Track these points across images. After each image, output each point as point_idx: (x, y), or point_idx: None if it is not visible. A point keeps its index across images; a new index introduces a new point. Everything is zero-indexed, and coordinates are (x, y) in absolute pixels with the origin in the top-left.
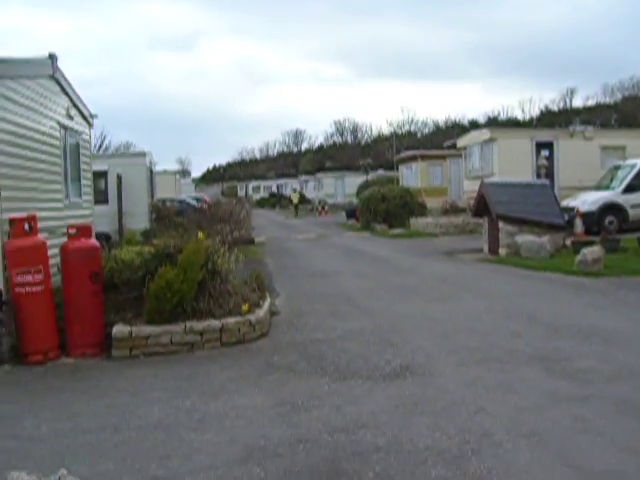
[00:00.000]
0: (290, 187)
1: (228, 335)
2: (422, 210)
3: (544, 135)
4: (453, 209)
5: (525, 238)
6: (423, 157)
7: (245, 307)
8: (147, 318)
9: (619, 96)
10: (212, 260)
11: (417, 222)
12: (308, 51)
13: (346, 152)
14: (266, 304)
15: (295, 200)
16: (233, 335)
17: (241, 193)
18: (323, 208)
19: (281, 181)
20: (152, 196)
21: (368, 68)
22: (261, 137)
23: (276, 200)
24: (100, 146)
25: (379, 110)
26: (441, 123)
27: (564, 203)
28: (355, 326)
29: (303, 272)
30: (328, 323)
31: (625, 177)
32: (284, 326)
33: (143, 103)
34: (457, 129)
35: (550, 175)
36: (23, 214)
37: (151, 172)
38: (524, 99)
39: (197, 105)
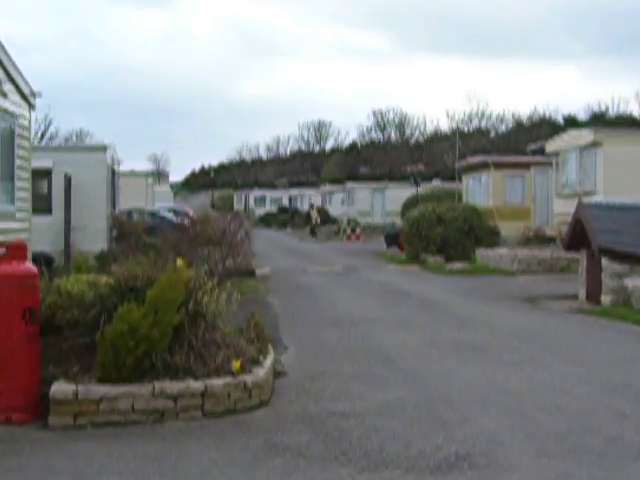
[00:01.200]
0: (307, 200)
1: (213, 402)
2: (494, 238)
3: None
4: (538, 238)
5: (638, 282)
6: (497, 165)
7: (237, 364)
8: (100, 374)
9: None
10: (195, 298)
11: (486, 254)
12: (332, 12)
13: (388, 154)
14: (268, 361)
15: (314, 218)
16: (220, 402)
17: (239, 206)
18: (354, 231)
19: (295, 191)
20: (113, 206)
21: (419, 39)
22: (269, 130)
23: (287, 217)
24: (43, 135)
25: (436, 98)
26: (523, 118)
27: None
28: (393, 396)
29: (322, 318)
30: (355, 390)
31: None
32: (293, 392)
33: (103, 77)
34: (546, 127)
35: None
36: None
37: (113, 173)
38: None
39: (178, 82)
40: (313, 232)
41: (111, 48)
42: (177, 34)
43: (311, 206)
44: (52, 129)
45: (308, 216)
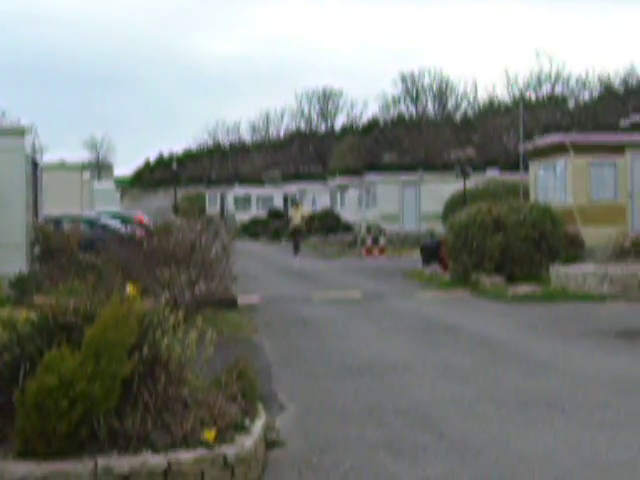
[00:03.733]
0: (310, 200)
1: None
2: (574, 250)
3: None
4: (637, 248)
5: None
6: (578, 147)
7: (210, 434)
8: (20, 446)
9: None
10: (151, 339)
11: (564, 273)
12: None
13: (424, 135)
14: (258, 426)
15: (296, 221)
16: None
17: (212, 210)
18: (376, 242)
19: (292, 187)
20: (35, 212)
21: None
22: (253, 102)
23: (281, 224)
24: None
25: (491, 55)
26: (615, 82)
27: None
28: (434, 473)
29: (333, 366)
30: (381, 465)
31: None
32: (293, 470)
33: (17, 34)
34: None
35: None
36: None
37: (35, 165)
38: None
39: (119, 40)
40: (295, 244)
41: None
42: None
43: (294, 204)
44: None
45: (282, 218)
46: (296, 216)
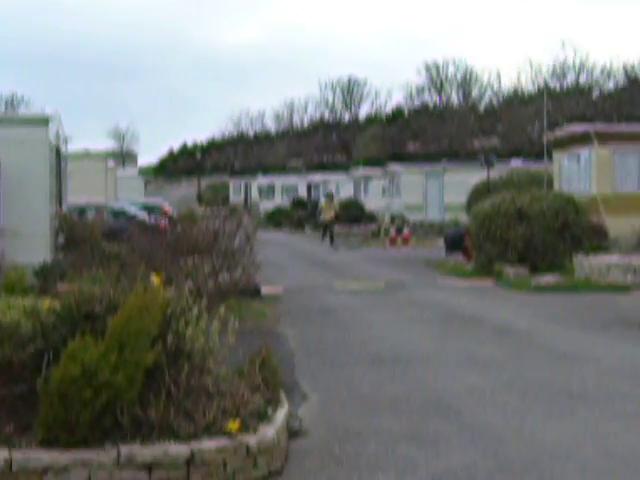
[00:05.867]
0: (334, 189)
1: (203, 473)
2: (599, 240)
3: None
4: None
5: None
6: (603, 137)
7: (233, 425)
8: (44, 435)
9: None
10: (175, 329)
11: (588, 263)
12: None
13: (448, 124)
14: (280, 415)
15: (327, 215)
16: (214, 473)
17: (236, 199)
18: (399, 231)
19: (317, 177)
20: (60, 201)
21: None
22: (278, 92)
23: (306, 214)
24: None
25: (515, 44)
26: None
27: None
28: (457, 462)
29: (355, 355)
30: (403, 455)
31: None
32: (316, 459)
33: (39, 24)
34: None
35: None
36: None
37: (59, 155)
38: None
39: (142, 26)
40: (330, 237)
41: None
42: None
43: (328, 197)
44: None
45: (314, 209)
46: (329, 210)
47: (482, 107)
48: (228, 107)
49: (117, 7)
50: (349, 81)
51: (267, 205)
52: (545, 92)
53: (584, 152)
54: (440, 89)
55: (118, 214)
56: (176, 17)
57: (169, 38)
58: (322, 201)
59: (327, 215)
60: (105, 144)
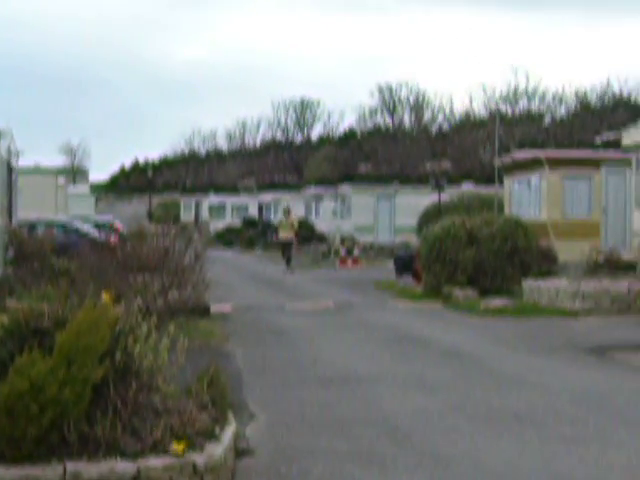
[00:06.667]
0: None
1: None
2: (547, 264)
3: None
4: (610, 265)
5: None
6: (553, 162)
7: (179, 446)
8: None
9: None
10: (123, 346)
11: (536, 287)
12: None
13: (400, 147)
14: (228, 434)
15: (284, 234)
16: None
17: (187, 217)
18: (349, 252)
19: (268, 197)
20: (9, 215)
21: None
22: (229, 111)
23: (257, 233)
24: None
25: (467, 69)
26: (591, 98)
27: None
28: None
29: (304, 375)
30: (351, 476)
31: None
32: (263, 479)
33: None
34: (623, 110)
35: None
36: None
37: (10, 169)
38: None
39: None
40: (288, 259)
41: None
42: None
43: (285, 211)
44: None
45: (268, 228)
46: (286, 227)
47: (434, 130)
48: (180, 125)
49: (70, 22)
50: (302, 102)
51: (218, 224)
52: (497, 117)
53: (534, 177)
54: (393, 111)
55: (69, 230)
56: (129, 34)
57: (122, 54)
58: (278, 218)
59: (284, 234)
60: (56, 160)
